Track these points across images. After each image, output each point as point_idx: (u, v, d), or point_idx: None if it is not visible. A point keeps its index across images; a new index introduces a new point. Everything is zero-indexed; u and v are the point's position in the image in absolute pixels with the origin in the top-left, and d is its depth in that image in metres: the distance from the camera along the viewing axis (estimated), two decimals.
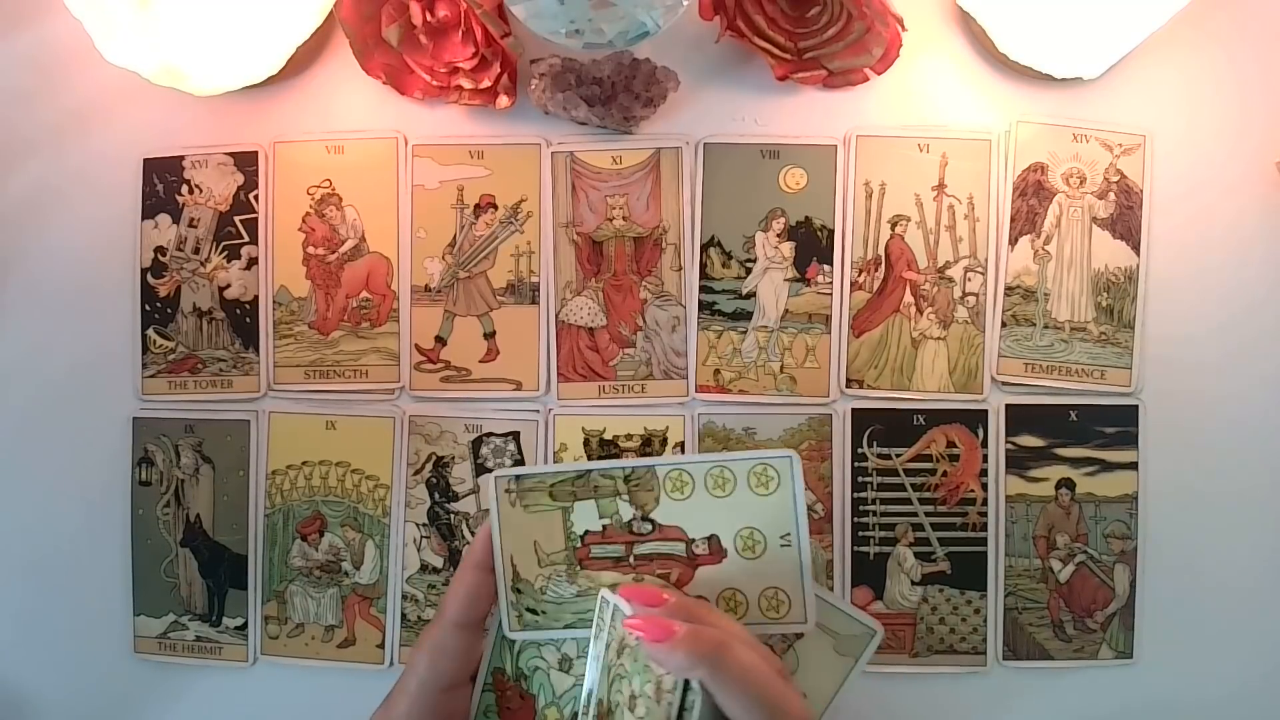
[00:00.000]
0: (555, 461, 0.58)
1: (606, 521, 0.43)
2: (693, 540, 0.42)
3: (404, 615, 0.58)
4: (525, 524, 0.43)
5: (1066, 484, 0.57)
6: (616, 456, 0.58)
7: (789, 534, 0.41)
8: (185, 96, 0.55)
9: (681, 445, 0.57)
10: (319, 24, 0.55)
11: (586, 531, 0.43)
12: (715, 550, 0.42)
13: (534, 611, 0.43)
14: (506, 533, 0.43)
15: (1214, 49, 0.57)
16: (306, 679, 0.59)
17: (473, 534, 0.58)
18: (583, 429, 0.58)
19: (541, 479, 0.43)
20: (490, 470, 0.58)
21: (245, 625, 0.59)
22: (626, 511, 0.42)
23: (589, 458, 0.58)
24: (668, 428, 0.57)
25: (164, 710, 0.59)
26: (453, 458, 0.58)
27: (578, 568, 0.43)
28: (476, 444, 0.58)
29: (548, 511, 0.43)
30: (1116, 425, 0.57)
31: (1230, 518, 0.57)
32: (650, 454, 0.57)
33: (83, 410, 0.60)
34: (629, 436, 0.58)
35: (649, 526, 0.43)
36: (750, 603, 0.42)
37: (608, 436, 0.58)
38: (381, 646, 0.58)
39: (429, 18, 0.55)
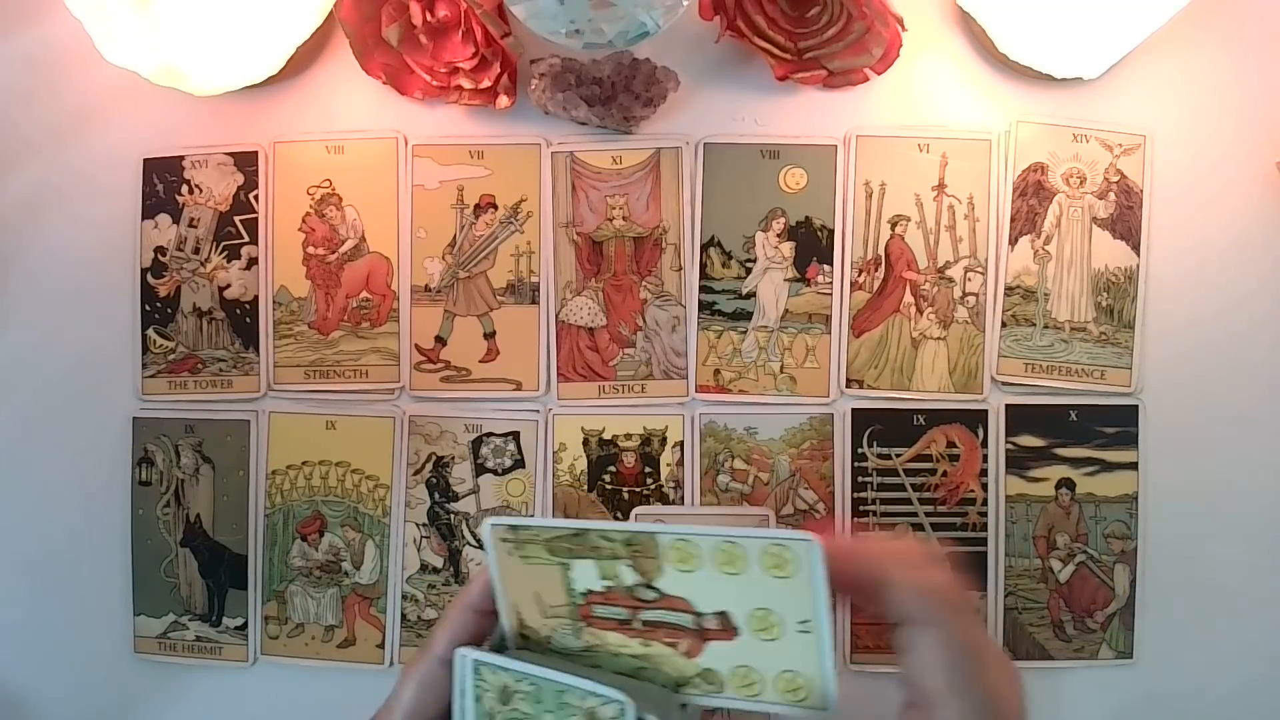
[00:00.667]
0: (555, 460, 0.58)
1: (609, 583, 0.39)
2: (701, 614, 0.38)
3: (404, 615, 0.58)
4: (525, 574, 0.40)
5: (1066, 484, 0.57)
6: (617, 457, 0.58)
7: (808, 620, 0.37)
8: (185, 96, 0.55)
9: (681, 445, 0.57)
10: (319, 24, 0.55)
11: (589, 590, 0.39)
12: (726, 627, 0.38)
13: (546, 658, 0.40)
14: (506, 581, 0.40)
15: (1214, 49, 0.57)
16: (306, 679, 0.59)
17: (473, 534, 0.58)
18: (582, 429, 0.58)
19: (537, 533, 0.39)
20: (491, 470, 0.58)
21: (245, 625, 0.59)
22: (628, 576, 0.39)
23: (588, 458, 0.58)
24: (666, 427, 0.58)
25: (164, 710, 0.59)
26: (453, 458, 0.58)
27: (582, 624, 0.40)
28: (476, 444, 0.58)
29: (547, 565, 0.39)
30: (1116, 425, 0.57)
31: (1230, 518, 0.57)
32: (650, 454, 0.57)
33: (83, 410, 0.60)
34: (628, 436, 0.58)
35: (653, 594, 0.39)
36: (766, 683, 0.39)
37: (607, 436, 0.58)
38: (381, 646, 0.58)
39: (429, 18, 0.55)
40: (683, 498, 0.57)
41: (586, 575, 0.39)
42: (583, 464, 0.58)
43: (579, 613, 0.39)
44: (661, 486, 0.57)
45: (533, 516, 0.41)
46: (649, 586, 0.39)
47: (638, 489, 0.58)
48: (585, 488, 0.58)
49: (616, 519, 0.57)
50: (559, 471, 0.58)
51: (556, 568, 0.39)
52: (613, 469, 0.58)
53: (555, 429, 0.58)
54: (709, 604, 0.38)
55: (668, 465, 0.57)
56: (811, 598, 0.37)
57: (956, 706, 0.37)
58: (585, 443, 0.58)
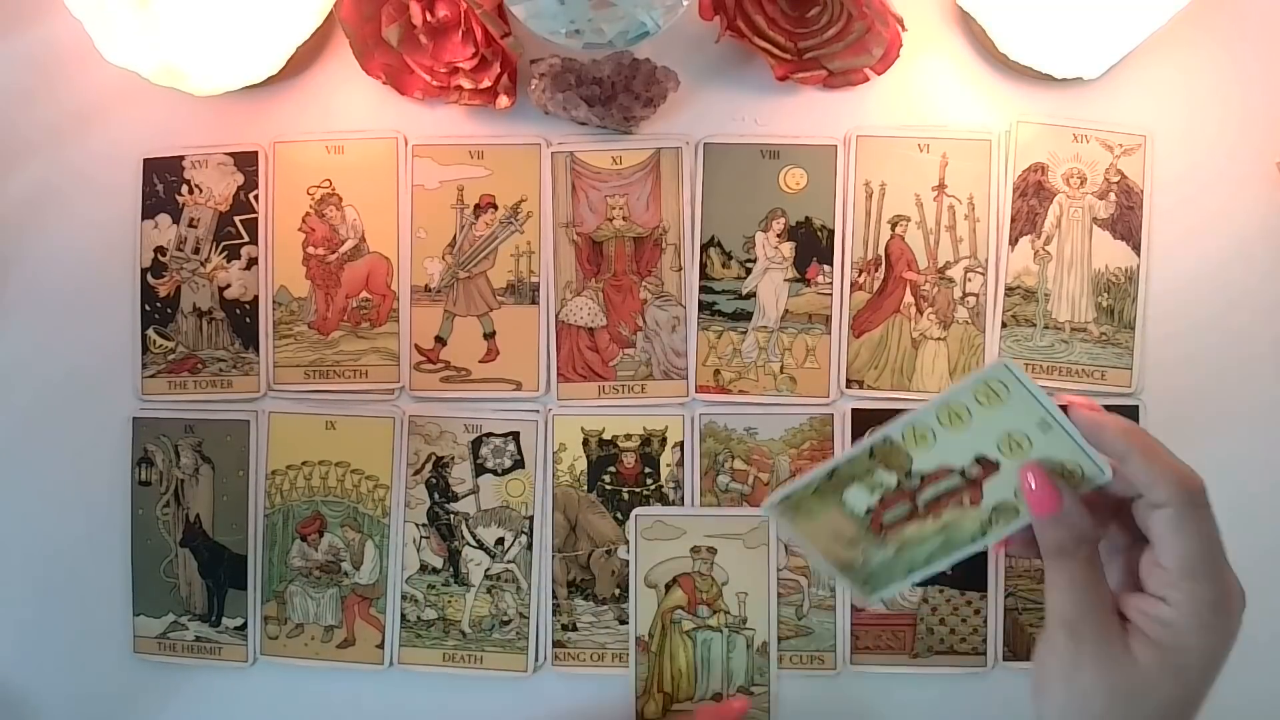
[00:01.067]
0: (555, 460, 0.58)
1: (879, 493, 0.45)
2: (963, 470, 0.44)
3: (403, 615, 0.58)
4: (816, 526, 0.45)
5: None
6: (617, 458, 0.58)
7: (1042, 419, 0.42)
8: (185, 96, 0.55)
9: (681, 445, 0.57)
10: (319, 24, 0.55)
11: (868, 508, 0.45)
12: (986, 465, 0.44)
13: (871, 577, 0.46)
14: (810, 539, 0.46)
15: (1214, 49, 0.57)
16: (306, 679, 0.59)
17: (473, 534, 0.58)
18: (582, 429, 0.58)
19: (802, 490, 0.45)
20: (490, 470, 0.58)
21: (245, 625, 0.59)
22: (890, 479, 0.44)
23: (588, 458, 0.58)
24: (666, 428, 0.57)
25: (163, 710, 0.59)
26: (452, 458, 0.58)
27: (881, 536, 0.45)
28: (476, 444, 0.58)
29: (825, 509, 0.45)
30: None
31: (1230, 518, 0.57)
32: (649, 454, 0.57)
33: (83, 410, 0.60)
34: (628, 436, 0.58)
35: (916, 479, 0.45)
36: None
37: (607, 436, 0.58)
38: (381, 647, 0.58)
39: (429, 18, 0.55)
40: (683, 498, 0.57)
41: (858, 498, 0.45)
42: (583, 464, 0.58)
43: (873, 528, 0.45)
44: (661, 487, 0.57)
45: (793, 480, 0.47)
46: (908, 475, 0.44)
47: (637, 489, 0.58)
48: (585, 488, 0.58)
49: (616, 520, 0.57)
50: (559, 472, 0.58)
51: (833, 507, 0.45)
52: (612, 469, 0.58)
53: (555, 429, 0.58)
54: (963, 458, 0.43)
55: (667, 465, 0.57)
56: (1032, 403, 0.42)
57: (1190, 592, 0.41)
58: (585, 443, 0.58)
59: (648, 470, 0.58)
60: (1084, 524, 0.43)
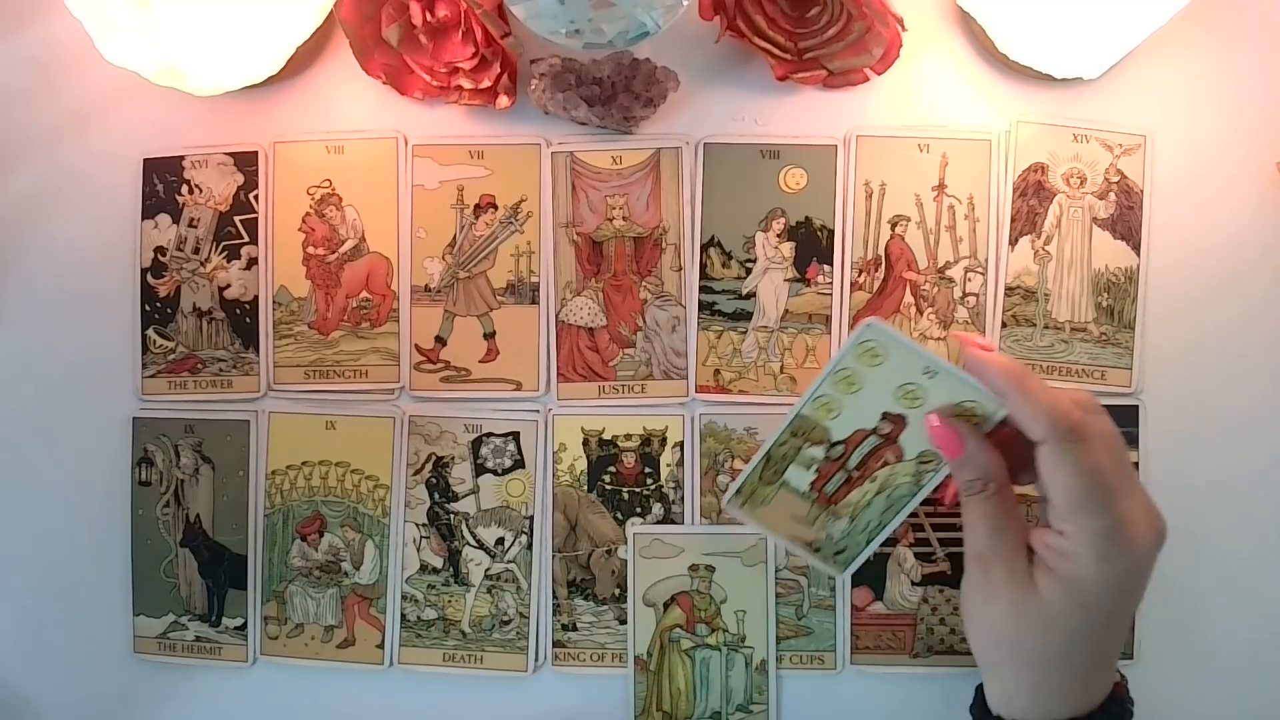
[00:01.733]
0: (555, 460, 0.58)
1: (815, 467, 0.49)
2: (875, 429, 0.48)
3: (404, 615, 0.58)
4: (773, 511, 0.50)
5: None
6: (617, 458, 0.58)
7: (926, 368, 0.46)
8: (185, 96, 0.55)
9: (681, 445, 0.57)
10: (319, 24, 0.55)
11: (809, 483, 0.50)
12: (895, 420, 0.47)
13: (839, 552, 0.51)
14: (772, 526, 0.51)
15: (1214, 49, 0.57)
16: (306, 679, 0.59)
17: (473, 534, 0.58)
18: (582, 429, 0.58)
19: (748, 479, 0.50)
20: (491, 470, 0.58)
21: (245, 625, 0.59)
22: (818, 452, 0.49)
23: (588, 458, 0.58)
24: (666, 428, 0.57)
25: (163, 710, 0.59)
26: (452, 458, 0.58)
27: (829, 507, 0.50)
28: (476, 444, 0.58)
29: (774, 494, 0.50)
30: (1117, 425, 0.56)
31: (1230, 518, 0.57)
32: (649, 454, 0.57)
33: (83, 410, 0.60)
34: (628, 436, 0.58)
35: (839, 446, 0.49)
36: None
37: (607, 436, 0.58)
38: (381, 647, 0.58)
39: (429, 18, 0.55)
40: (683, 498, 0.57)
41: (799, 476, 0.49)
42: (583, 464, 0.58)
43: (820, 501, 0.50)
44: (661, 487, 0.57)
45: (739, 473, 0.52)
46: (832, 445, 0.49)
47: (637, 489, 0.58)
48: (585, 488, 0.58)
49: (616, 520, 0.57)
50: (559, 471, 0.58)
51: (781, 490, 0.50)
52: (613, 469, 0.58)
53: (555, 429, 0.58)
54: (871, 418, 0.48)
55: (668, 466, 0.57)
56: (911, 354, 0.46)
57: (1079, 524, 0.43)
58: (585, 443, 0.58)
59: (648, 470, 0.58)
60: (990, 462, 0.45)
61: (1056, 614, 0.43)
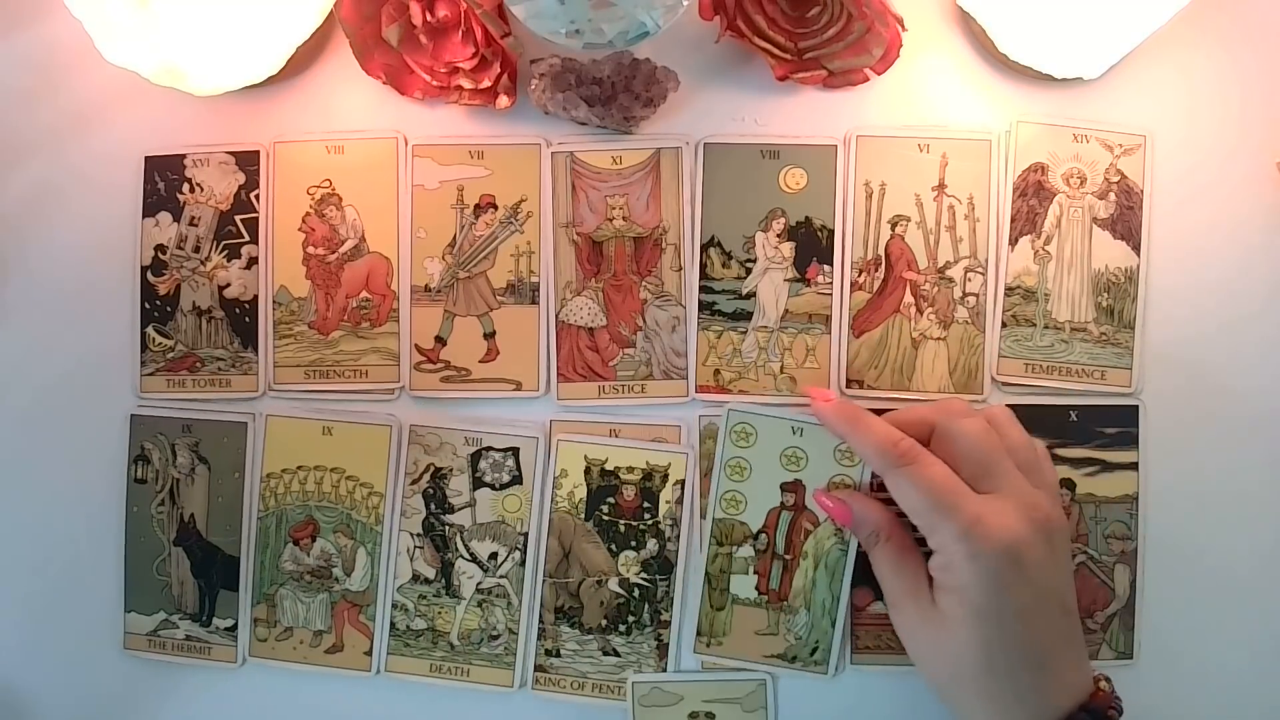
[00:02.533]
0: (556, 486, 0.57)
1: (752, 568, 0.54)
2: (781, 502, 0.52)
3: (393, 624, 0.58)
4: (738, 641, 0.55)
5: (1067, 485, 0.56)
6: (617, 489, 0.57)
7: (794, 428, 0.51)
8: (186, 96, 0.55)
9: (682, 484, 0.57)
10: (319, 24, 0.55)
11: (754, 588, 0.55)
12: (793, 487, 0.52)
13: (813, 651, 0.54)
14: (747, 656, 0.55)
15: (1214, 49, 0.57)
16: (293, 682, 0.58)
17: (466, 547, 0.57)
18: (585, 456, 0.57)
19: (702, 615, 0.55)
20: (488, 484, 0.58)
21: (235, 626, 0.59)
22: (747, 550, 0.54)
23: (589, 487, 0.57)
24: (670, 464, 0.57)
25: (151, 708, 0.59)
26: (451, 470, 0.58)
27: (785, 604, 0.54)
28: (475, 457, 0.58)
29: (730, 617, 0.55)
30: (1117, 426, 0.57)
31: (1231, 517, 0.57)
32: (650, 488, 0.57)
33: (81, 407, 0.59)
34: (630, 469, 0.57)
35: (764, 537, 0.54)
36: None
37: (609, 467, 0.57)
38: (369, 654, 0.58)
39: (429, 18, 0.55)
40: (679, 536, 0.57)
41: (742, 585, 0.55)
42: (582, 492, 0.57)
43: (772, 601, 0.55)
44: (659, 523, 0.57)
45: (692, 609, 0.56)
46: (755, 535, 0.54)
47: (634, 523, 0.57)
48: (582, 516, 0.57)
49: (610, 551, 0.57)
50: (558, 497, 0.57)
51: (733, 607, 0.55)
52: (611, 500, 0.57)
53: (559, 455, 0.57)
54: (773, 493, 0.54)
55: (666, 503, 0.57)
56: (774, 421, 0.53)
57: (939, 535, 0.46)
58: (587, 471, 0.57)
59: (646, 505, 0.57)
60: (878, 517, 0.50)
61: (961, 627, 0.45)
